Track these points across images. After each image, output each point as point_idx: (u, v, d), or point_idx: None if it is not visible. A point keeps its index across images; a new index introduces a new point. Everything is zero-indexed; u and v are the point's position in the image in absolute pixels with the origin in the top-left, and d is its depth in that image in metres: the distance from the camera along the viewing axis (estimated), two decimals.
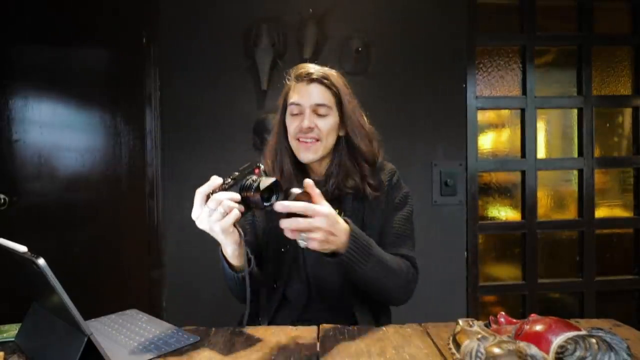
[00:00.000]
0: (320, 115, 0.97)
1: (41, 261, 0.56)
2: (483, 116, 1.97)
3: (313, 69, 1.00)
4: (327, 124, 0.97)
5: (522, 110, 1.95)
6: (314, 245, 0.74)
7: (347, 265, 0.80)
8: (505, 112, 2.00)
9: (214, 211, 0.75)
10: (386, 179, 1.03)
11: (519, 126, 1.97)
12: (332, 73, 1.01)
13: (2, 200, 1.72)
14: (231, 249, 0.81)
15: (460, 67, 1.88)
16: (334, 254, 0.80)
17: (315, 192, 0.76)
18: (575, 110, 2.00)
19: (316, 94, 0.97)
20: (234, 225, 0.77)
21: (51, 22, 1.77)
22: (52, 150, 1.79)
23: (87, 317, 0.65)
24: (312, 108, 0.97)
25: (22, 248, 0.60)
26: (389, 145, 1.08)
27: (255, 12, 1.80)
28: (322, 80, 0.98)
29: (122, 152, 1.81)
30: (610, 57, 2.02)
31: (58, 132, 1.79)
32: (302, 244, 0.74)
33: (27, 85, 1.78)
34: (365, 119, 1.05)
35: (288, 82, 1.04)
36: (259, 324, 0.96)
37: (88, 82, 1.80)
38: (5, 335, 0.76)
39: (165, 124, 1.80)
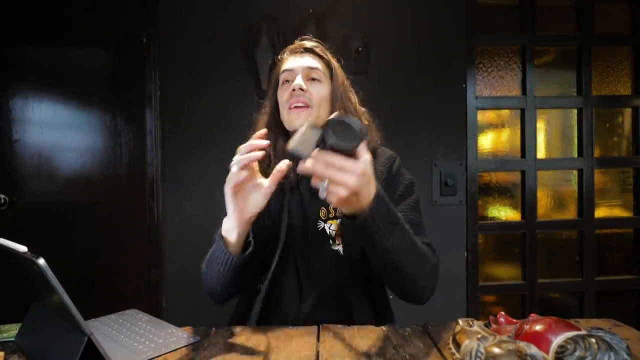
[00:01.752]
0: (312, 80, 0.94)
1: (41, 261, 0.56)
2: (483, 116, 1.97)
3: (307, 43, 1.00)
4: (320, 91, 0.93)
5: (522, 110, 1.95)
6: (332, 200, 0.65)
7: (366, 232, 0.70)
8: (505, 112, 2.00)
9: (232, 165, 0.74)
10: (385, 168, 0.94)
11: (518, 126, 1.97)
12: (324, 48, 1.01)
13: (2, 200, 1.72)
14: (229, 220, 0.78)
15: (460, 67, 1.88)
16: (353, 217, 0.70)
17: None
18: (575, 110, 2.00)
19: (308, 60, 0.96)
20: (247, 203, 0.75)
21: (51, 22, 1.77)
22: (52, 150, 1.79)
23: (87, 317, 0.65)
24: (304, 72, 0.94)
25: (22, 248, 0.60)
26: (388, 145, 1.07)
27: (255, 12, 1.80)
28: (314, 50, 0.98)
29: (122, 152, 1.81)
30: (610, 57, 2.02)
31: (58, 132, 1.79)
32: (321, 193, 0.64)
33: (27, 85, 1.78)
34: (356, 100, 1.01)
35: (281, 58, 1.02)
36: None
37: (88, 82, 1.80)
38: (5, 335, 0.76)
39: (165, 123, 1.80)
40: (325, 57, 0.98)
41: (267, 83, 1.77)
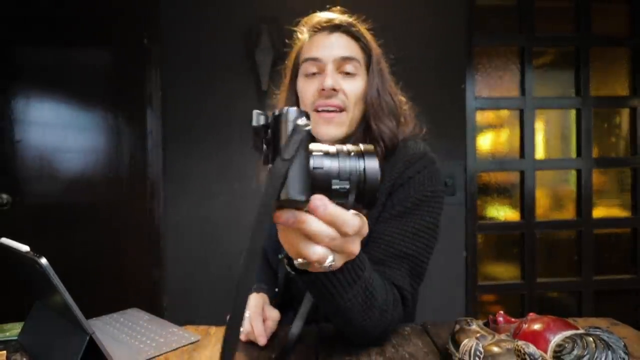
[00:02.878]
0: (346, 74, 0.74)
1: (43, 261, 0.56)
2: (482, 117, 1.98)
3: (335, 16, 0.77)
4: (356, 88, 0.74)
5: (521, 111, 1.96)
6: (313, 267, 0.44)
7: (320, 288, 0.52)
8: (504, 113, 2.01)
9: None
10: (396, 173, 0.72)
11: (517, 127, 1.98)
12: (358, 24, 0.79)
13: (5, 200, 1.72)
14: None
15: (459, 68, 1.88)
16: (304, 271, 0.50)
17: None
18: (574, 111, 2.01)
19: (341, 45, 0.74)
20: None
21: (53, 23, 1.77)
22: (53, 151, 1.79)
23: (89, 316, 0.65)
24: (336, 63, 0.73)
25: (25, 248, 0.60)
26: None
27: (255, 12, 1.81)
28: (348, 29, 0.75)
29: (124, 152, 1.81)
30: (608, 58, 2.03)
31: (60, 132, 1.80)
32: (302, 262, 0.45)
33: (29, 86, 1.78)
34: (395, 87, 0.84)
35: (300, 36, 0.80)
36: None
37: (89, 83, 1.81)
38: (8, 334, 0.76)
39: (166, 124, 1.81)
40: (363, 40, 0.77)
41: (267, 83, 1.77)
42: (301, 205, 0.38)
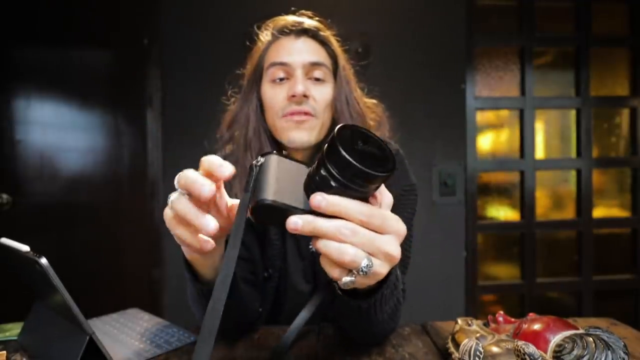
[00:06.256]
0: (316, 80, 0.73)
1: (43, 260, 0.56)
2: (482, 116, 1.98)
3: (303, 19, 0.77)
4: (325, 94, 0.73)
5: (521, 111, 1.96)
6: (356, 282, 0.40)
7: (366, 311, 0.51)
8: (504, 113, 2.01)
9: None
10: None
11: (517, 126, 1.98)
12: (324, 27, 0.78)
13: (5, 200, 1.73)
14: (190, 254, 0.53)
15: (459, 67, 1.89)
16: (354, 293, 0.50)
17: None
18: (574, 111, 2.01)
19: (309, 50, 0.74)
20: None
21: (53, 23, 1.78)
22: (54, 151, 1.79)
23: (88, 316, 0.65)
24: (305, 69, 0.72)
25: (25, 247, 0.60)
26: None
27: (255, 12, 1.80)
28: (316, 34, 0.75)
29: (124, 152, 1.81)
30: (608, 58, 2.03)
31: (60, 132, 1.80)
32: (348, 281, 0.39)
33: (29, 86, 1.78)
34: (362, 94, 0.83)
35: (262, 39, 0.79)
36: None
37: (90, 83, 1.81)
38: (7, 334, 0.76)
39: (167, 124, 1.81)
40: (330, 45, 0.77)
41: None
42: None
